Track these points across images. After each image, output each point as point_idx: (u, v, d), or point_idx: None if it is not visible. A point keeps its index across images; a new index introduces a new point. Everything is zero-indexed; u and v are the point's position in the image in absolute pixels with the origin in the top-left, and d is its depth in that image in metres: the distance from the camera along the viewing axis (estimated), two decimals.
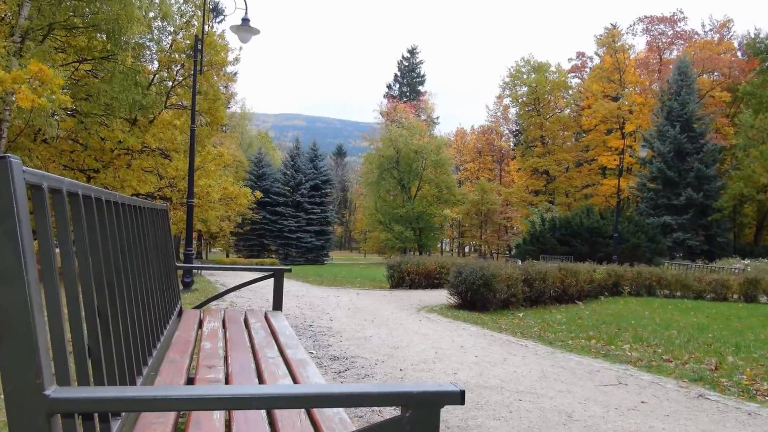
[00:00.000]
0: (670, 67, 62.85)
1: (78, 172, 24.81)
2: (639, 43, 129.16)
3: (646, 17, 72.68)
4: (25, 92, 15.99)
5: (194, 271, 24.26)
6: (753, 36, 62.88)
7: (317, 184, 69.77)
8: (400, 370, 9.24)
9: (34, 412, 2.00)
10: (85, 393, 2.20)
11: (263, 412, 3.47)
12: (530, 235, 46.15)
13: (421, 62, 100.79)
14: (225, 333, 6.26)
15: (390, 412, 6.26)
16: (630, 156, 63.39)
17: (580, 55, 79.73)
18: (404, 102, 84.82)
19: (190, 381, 4.55)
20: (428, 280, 24.88)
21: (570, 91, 78.72)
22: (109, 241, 3.24)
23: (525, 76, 78.01)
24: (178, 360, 4.84)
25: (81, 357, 2.62)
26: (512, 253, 58.01)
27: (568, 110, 78.77)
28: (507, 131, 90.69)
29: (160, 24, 25.86)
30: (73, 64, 23.38)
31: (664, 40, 71.93)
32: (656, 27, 71.82)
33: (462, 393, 2.23)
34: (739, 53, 67.53)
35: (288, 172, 69.49)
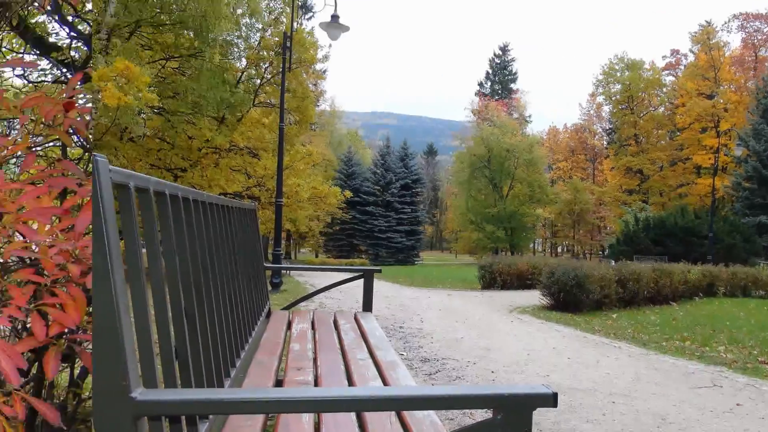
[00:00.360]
0: (766, 64, 61.24)
1: (165, 171, 25.04)
2: (734, 41, 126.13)
3: (741, 14, 71.00)
4: (111, 90, 16.13)
5: (283, 271, 24.42)
6: None
7: (408, 184, 69.88)
8: (492, 372, 9.19)
9: (120, 415, 1.99)
10: (172, 395, 2.18)
11: (353, 414, 3.43)
12: (624, 235, 45.60)
13: (512, 60, 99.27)
14: (314, 334, 6.25)
15: (482, 414, 6.19)
16: (725, 155, 61.96)
17: (674, 52, 78.24)
18: (496, 100, 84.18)
19: (279, 383, 4.54)
20: (520, 281, 24.71)
21: (664, 89, 77.27)
22: (196, 240, 3.23)
23: (618, 74, 76.80)
24: (267, 362, 4.83)
25: (168, 359, 2.60)
26: (605, 253, 57.30)
27: (662, 108, 77.33)
28: (600, 129, 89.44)
29: (248, 21, 26.08)
30: (160, 62, 23.59)
31: (759, 38, 70.21)
32: (752, 24, 70.18)
33: (554, 395, 2.17)
34: None
35: (378, 171, 69.74)
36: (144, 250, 2.43)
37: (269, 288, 13.07)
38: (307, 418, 3.36)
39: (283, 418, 3.33)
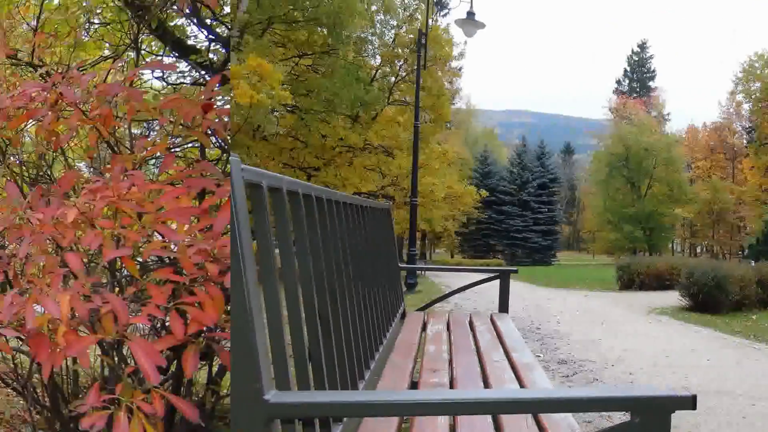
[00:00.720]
0: None
1: (298, 170, 25.11)
2: None
3: None
4: (243, 88, 16.26)
5: (418, 272, 24.38)
6: None
7: (544, 183, 69.07)
8: (630, 374, 9.02)
9: (254, 417, 1.99)
10: (305, 397, 2.17)
11: (489, 416, 3.36)
12: (764, 234, 44.36)
13: (651, 57, 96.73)
14: (449, 336, 6.21)
15: (619, 417, 6.04)
16: None
17: None
18: (634, 98, 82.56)
19: (414, 385, 4.52)
20: (658, 282, 24.07)
21: None
22: (330, 241, 3.22)
23: (758, 71, 74.17)
24: (401, 363, 4.82)
25: (301, 361, 2.59)
26: (745, 253, 55.60)
27: None
28: (740, 128, 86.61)
29: (382, 18, 26.09)
30: (293, 59, 23.72)
31: None
32: None
33: (694, 398, 2.09)
34: None
35: (514, 170, 69.15)
36: (277, 250, 2.43)
37: (404, 289, 13.12)
38: (443, 421, 3.32)
39: (418, 421, 3.30)
